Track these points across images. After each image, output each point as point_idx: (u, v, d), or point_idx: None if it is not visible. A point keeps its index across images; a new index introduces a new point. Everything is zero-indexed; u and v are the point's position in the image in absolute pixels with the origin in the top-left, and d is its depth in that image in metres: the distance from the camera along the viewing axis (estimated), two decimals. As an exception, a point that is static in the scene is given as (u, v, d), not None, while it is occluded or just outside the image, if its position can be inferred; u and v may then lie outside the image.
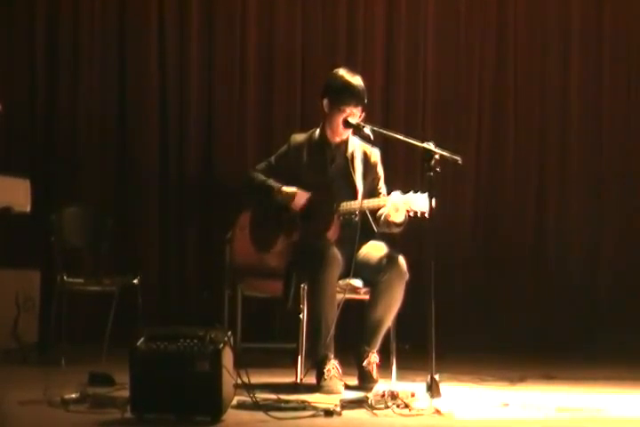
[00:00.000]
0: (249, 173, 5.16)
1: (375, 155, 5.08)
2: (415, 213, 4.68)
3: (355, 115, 4.90)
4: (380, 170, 5.08)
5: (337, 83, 4.96)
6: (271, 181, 5.02)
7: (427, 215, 4.58)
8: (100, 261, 6.02)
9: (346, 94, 4.90)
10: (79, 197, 6.58)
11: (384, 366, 4.88)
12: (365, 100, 4.93)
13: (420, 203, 4.63)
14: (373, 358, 4.81)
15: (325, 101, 4.98)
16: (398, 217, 4.77)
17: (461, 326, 6.70)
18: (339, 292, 4.75)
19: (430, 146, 4.36)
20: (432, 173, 4.30)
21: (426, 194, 4.51)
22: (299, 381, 4.77)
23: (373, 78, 6.75)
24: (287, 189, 4.97)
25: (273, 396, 4.12)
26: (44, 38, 6.75)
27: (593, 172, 7.19)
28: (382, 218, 4.85)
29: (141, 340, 3.79)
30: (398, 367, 4.95)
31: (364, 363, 4.79)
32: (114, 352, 5.40)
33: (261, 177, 5.07)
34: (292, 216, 4.97)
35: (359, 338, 4.84)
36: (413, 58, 7.10)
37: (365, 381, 4.76)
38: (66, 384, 4.39)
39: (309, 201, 4.95)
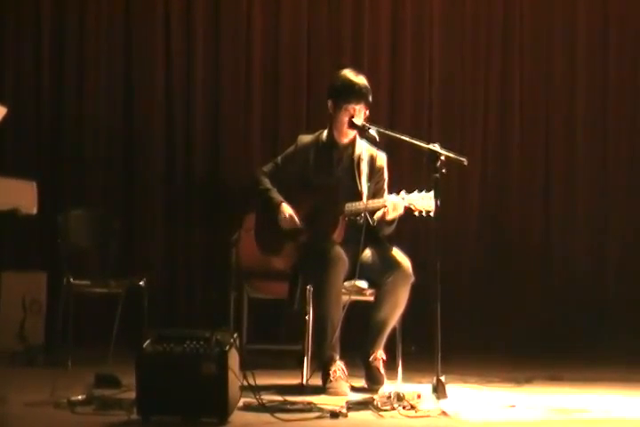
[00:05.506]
0: (255, 176, 5.14)
1: (381, 159, 5.06)
2: (420, 212, 4.68)
3: (358, 112, 4.89)
4: (385, 174, 5.06)
5: (339, 82, 4.97)
6: (273, 193, 5.00)
7: (432, 214, 4.59)
8: (107, 263, 6.02)
9: (347, 92, 4.89)
10: (85, 198, 6.58)
11: (390, 367, 4.88)
12: (369, 98, 4.91)
13: (424, 202, 4.64)
14: (379, 354, 4.82)
15: (330, 102, 4.98)
16: (392, 216, 4.77)
17: (467, 327, 6.68)
18: (344, 293, 4.75)
19: (436, 147, 4.36)
20: (438, 175, 4.30)
21: (431, 193, 4.53)
22: (304, 382, 4.77)
23: (379, 79, 6.74)
24: (285, 208, 4.95)
25: (279, 397, 4.14)
26: (50, 39, 6.74)
27: (599, 172, 7.17)
28: (378, 217, 4.85)
29: (148, 342, 3.79)
30: (404, 369, 4.94)
31: (371, 358, 4.80)
32: (120, 354, 5.40)
33: (266, 185, 5.04)
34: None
35: (364, 339, 4.84)
36: (419, 59, 7.08)
37: (372, 378, 4.77)
38: (72, 386, 4.41)
39: (314, 202, 4.94)
